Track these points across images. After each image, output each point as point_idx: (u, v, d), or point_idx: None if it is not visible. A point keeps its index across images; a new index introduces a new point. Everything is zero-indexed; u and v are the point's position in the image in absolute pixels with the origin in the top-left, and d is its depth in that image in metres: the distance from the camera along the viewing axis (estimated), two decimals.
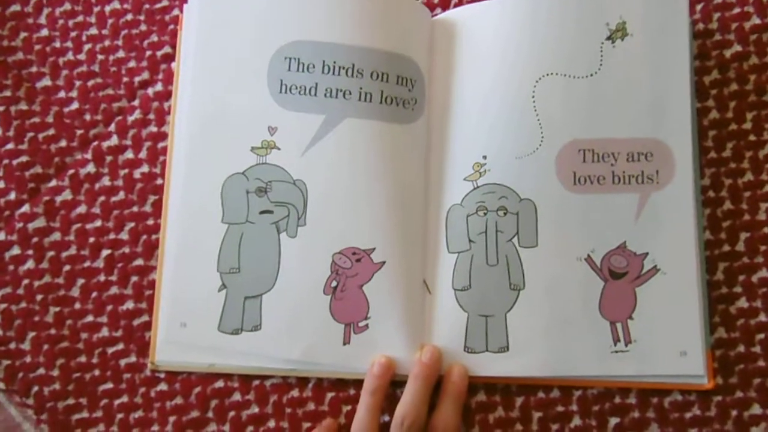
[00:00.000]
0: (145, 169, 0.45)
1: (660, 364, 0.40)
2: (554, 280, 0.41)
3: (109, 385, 0.43)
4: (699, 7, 0.46)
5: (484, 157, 0.42)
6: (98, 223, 0.44)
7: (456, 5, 0.46)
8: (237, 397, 0.42)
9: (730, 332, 0.42)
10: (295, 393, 0.42)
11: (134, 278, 0.44)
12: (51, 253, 0.44)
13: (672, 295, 0.41)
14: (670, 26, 0.42)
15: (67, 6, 0.47)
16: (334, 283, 0.41)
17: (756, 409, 0.41)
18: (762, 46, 0.45)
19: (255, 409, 0.42)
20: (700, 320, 0.41)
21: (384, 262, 0.41)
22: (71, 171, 0.45)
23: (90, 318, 0.43)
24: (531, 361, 0.41)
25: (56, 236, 0.44)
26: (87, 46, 0.46)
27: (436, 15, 0.45)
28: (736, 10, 0.45)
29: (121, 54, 0.46)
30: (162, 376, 0.43)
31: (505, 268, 0.41)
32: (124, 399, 0.42)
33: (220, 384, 0.42)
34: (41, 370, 0.43)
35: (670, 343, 0.41)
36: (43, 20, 0.47)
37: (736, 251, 0.43)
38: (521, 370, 0.41)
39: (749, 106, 0.44)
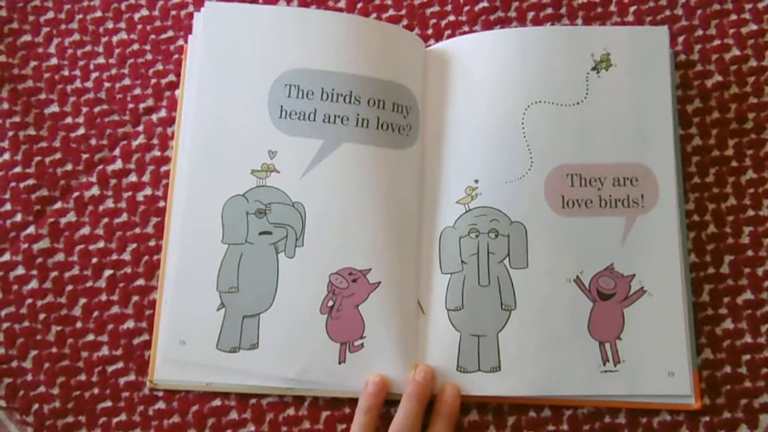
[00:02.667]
0: (147, 192, 0.46)
1: (648, 384, 0.41)
2: (544, 301, 0.42)
3: (108, 404, 0.43)
4: (681, 39, 0.48)
5: (476, 181, 0.43)
6: (101, 244, 0.45)
7: (449, 37, 0.48)
8: (234, 415, 0.43)
9: (717, 353, 0.43)
10: (290, 411, 0.43)
11: (135, 298, 0.45)
12: (54, 274, 0.45)
13: (659, 316, 0.42)
14: (652, 57, 0.44)
15: (76, 36, 0.49)
16: (330, 303, 0.42)
17: (743, 430, 0.42)
18: (742, 76, 0.47)
19: (251, 428, 0.43)
20: (687, 341, 0.42)
21: (379, 283, 0.42)
22: (76, 194, 0.46)
23: (91, 337, 0.44)
24: (522, 381, 0.41)
25: (60, 257, 0.45)
26: (94, 75, 0.48)
27: (429, 46, 0.47)
28: (717, 42, 0.47)
29: (126, 82, 0.48)
30: (160, 394, 0.43)
31: (497, 289, 0.42)
32: (123, 417, 0.43)
33: (217, 402, 0.43)
34: (42, 388, 0.44)
35: (657, 363, 0.41)
36: (52, 50, 0.49)
37: (720, 273, 0.44)
38: (513, 390, 0.41)
39: (731, 133, 0.46)
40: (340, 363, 0.42)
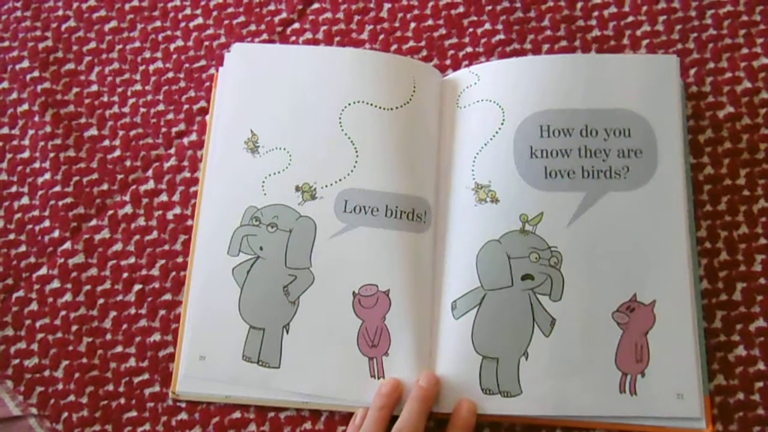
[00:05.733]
0: (177, 210, 0.49)
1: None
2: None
3: (134, 414, 0.45)
4: (692, 71, 0.49)
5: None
6: (132, 260, 0.48)
7: (467, 67, 0.50)
8: (253, 428, 0.44)
9: (729, 380, 0.43)
10: (308, 426, 0.44)
11: (162, 312, 0.47)
12: (87, 287, 0.47)
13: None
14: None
15: (116, 65, 0.52)
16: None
17: None
18: (753, 107, 0.48)
19: None
20: (696, 364, 0.42)
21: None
22: (110, 212, 0.49)
23: (119, 348, 0.46)
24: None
25: (93, 271, 0.48)
26: (131, 100, 0.51)
27: (446, 75, 0.49)
28: (728, 75, 0.49)
29: (160, 107, 0.51)
30: (183, 405, 0.45)
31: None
32: (147, 427, 0.45)
33: (237, 415, 0.45)
34: (71, 397, 0.46)
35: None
36: (93, 77, 0.52)
37: (733, 300, 0.45)
38: (525, 410, 0.42)
39: (742, 163, 0.47)
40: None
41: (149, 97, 0.51)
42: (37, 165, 0.50)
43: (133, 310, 0.47)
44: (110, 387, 0.46)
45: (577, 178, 0.45)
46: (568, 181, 0.45)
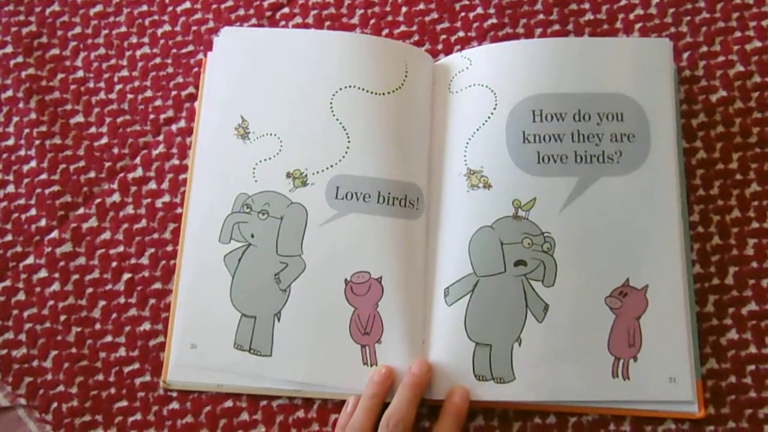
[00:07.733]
0: (166, 198, 0.48)
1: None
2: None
3: (124, 403, 0.45)
4: (685, 54, 0.49)
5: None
6: (121, 248, 0.47)
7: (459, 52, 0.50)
8: (245, 416, 0.44)
9: (721, 363, 0.44)
10: (300, 414, 0.44)
11: (152, 301, 0.46)
12: (75, 276, 0.47)
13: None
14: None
15: (102, 50, 0.51)
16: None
17: None
18: (746, 91, 0.48)
19: (262, 429, 0.44)
20: (689, 348, 0.42)
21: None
22: (98, 200, 0.48)
23: (109, 338, 0.46)
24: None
25: (81, 260, 0.47)
26: (118, 87, 0.50)
27: (438, 60, 0.49)
28: (721, 59, 0.48)
29: (148, 93, 0.50)
30: (174, 395, 0.45)
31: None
32: (138, 417, 0.44)
33: (229, 404, 0.44)
34: (61, 388, 0.45)
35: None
36: (79, 63, 0.51)
37: (725, 284, 0.45)
38: (517, 395, 0.42)
39: (735, 147, 0.47)
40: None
41: (136, 83, 0.50)
42: (22, 153, 0.49)
43: (122, 300, 0.46)
44: (100, 377, 0.45)
45: (569, 163, 0.44)
46: (561, 166, 0.44)
